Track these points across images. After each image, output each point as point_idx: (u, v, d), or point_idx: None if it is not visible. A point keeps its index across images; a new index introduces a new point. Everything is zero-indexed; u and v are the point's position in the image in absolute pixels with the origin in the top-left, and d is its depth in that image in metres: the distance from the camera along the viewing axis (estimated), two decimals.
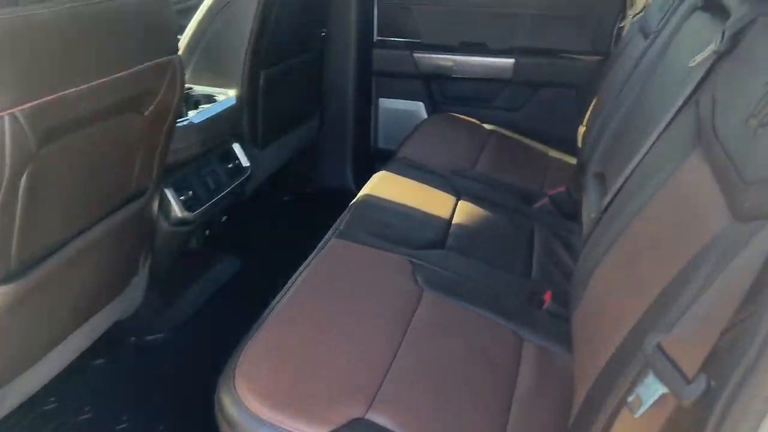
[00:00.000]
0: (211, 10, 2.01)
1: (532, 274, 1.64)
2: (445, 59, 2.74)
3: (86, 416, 1.66)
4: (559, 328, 1.41)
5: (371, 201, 1.79)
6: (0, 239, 1.05)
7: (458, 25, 2.73)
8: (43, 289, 1.22)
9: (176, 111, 1.46)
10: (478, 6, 2.70)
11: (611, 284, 1.14)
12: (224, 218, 2.09)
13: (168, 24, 1.36)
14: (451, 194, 1.93)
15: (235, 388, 1.07)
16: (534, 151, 2.45)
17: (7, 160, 0.98)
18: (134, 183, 1.44)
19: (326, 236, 1.61)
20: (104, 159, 1.30)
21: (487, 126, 2.56)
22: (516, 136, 2.54)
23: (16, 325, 1.20)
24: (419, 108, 2.86)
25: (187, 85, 1.99)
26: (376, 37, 2.82)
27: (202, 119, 1.82)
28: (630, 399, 0.77)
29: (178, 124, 1.64)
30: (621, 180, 1.33)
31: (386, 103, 2.90)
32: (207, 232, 2.00)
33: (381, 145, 2.98)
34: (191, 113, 1.82)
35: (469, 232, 1.75)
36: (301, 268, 1.45)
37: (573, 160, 2.40)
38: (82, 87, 1.10)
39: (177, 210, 1.74)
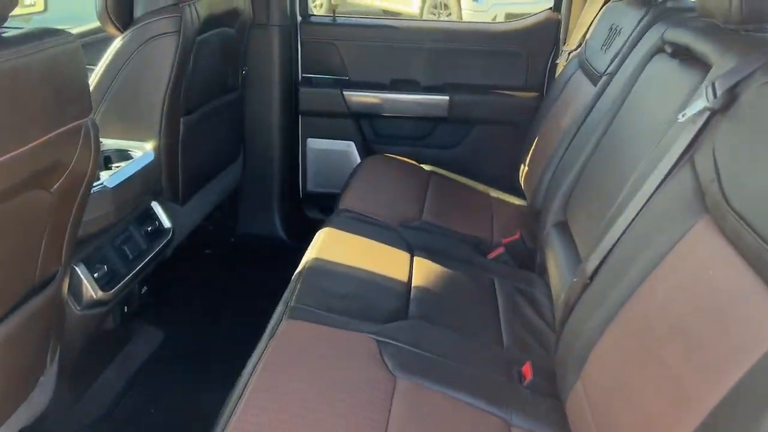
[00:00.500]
0: (121, 52, 1.76)
1: (504, 340, 1.50)
2: (377, 97, 2.60)
3: None
4: (547, 407, 1.27)
5: (320, 266, 1.59)
6: None
7: (388, 61, 2.60)
8: None
9: (90, 182, 1.22)
10: (409, 41, 2.58)
11: (623, 373, 1.01)
12: (144, 289, 1.82)
13: (79, 78, 1.12)
14: (404, 249, 1.77)
15: None
16: (476, 192, 2.34)
17: None
18: (39, 272, 1.17)
19: (275, 314, 1.40)
20: (0, 249, 1.03)
21: (425, 167, 2.43)
22: (455, 176, 2.43)
23: None
24: (350, 147, 2.70)
25: None
26: (301, 75, 2.63)
27: (118, 182, 1.55)
28: None
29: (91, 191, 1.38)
30: (608, 242, 1.21)
31: (314, 144, 2.71)
32: (126, 308, 1.72)
33: (310, 188, 2.78)
34: (104, 175, 1.55)
35: (430, 294, 1.59)
36: (252, 359, 1.24)
37: (516, 201, 2.32)
38: None
39: (90, 290, 1.47)
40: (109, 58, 1.77)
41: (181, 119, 1.90)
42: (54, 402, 1.47)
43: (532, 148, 2.22)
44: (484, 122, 2.60)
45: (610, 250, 1.20)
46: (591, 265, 1.24)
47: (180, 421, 1.70)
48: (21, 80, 0.96)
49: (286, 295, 1.48)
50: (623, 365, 1.04)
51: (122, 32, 1.76)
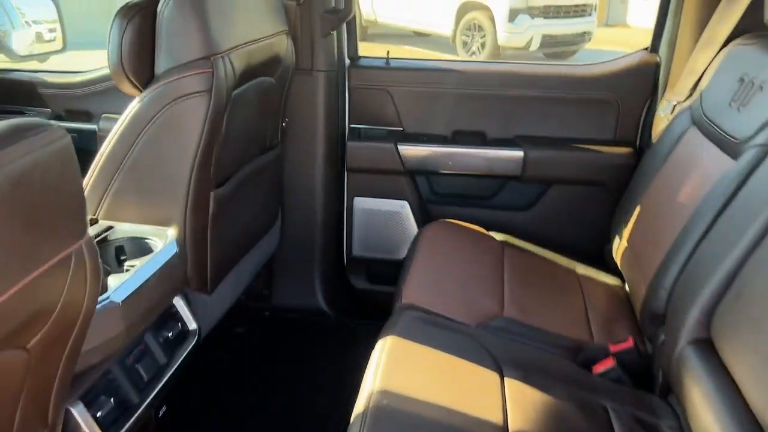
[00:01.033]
0: (140, 116, 1.42)
1: None
2: (436, 152, 2.23)
3: None
4: None
5: (388, 405, 1.21)
6: None
7: (450, 110, 2.23)
8: None
9: (87, 317, 0.87)
10: (474, 87, 2.21)
11: None
12: (163, 410, 1.46)
13: (70, 191, 0.78)
14: (490, 367, 1.38)
15: None
16: (561, 269, 1.95)
17: None
18: None
19: None
20: None
21: (495, 235, 2.05)
22: (532, 247, 2.04)
23: None
24: (403, 208, 2.32)
25: (107, 223, 1.38)
26: (348, 126, 2.28)
27: (129, 293, 1.19)
28: None
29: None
30: None
31: (362, 203, 2.35)
32: None
33: (356, 252, 2.41)
34: (111, 282, 1.20)
35: None
36: None
37: (609, 280, 1.92)
38: None
39: None
40: (125, 122, 1.43)
41: (212, 194, 1.55)
42: None
43: (633, 219, 1.83)
44: (563, 181, 2.21)
45: None
46: None
47: None
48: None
49: None
50: None
51: (141, 91, 1.43)
